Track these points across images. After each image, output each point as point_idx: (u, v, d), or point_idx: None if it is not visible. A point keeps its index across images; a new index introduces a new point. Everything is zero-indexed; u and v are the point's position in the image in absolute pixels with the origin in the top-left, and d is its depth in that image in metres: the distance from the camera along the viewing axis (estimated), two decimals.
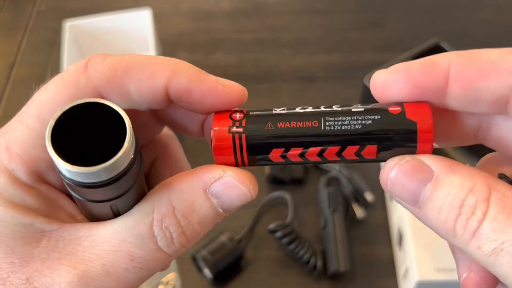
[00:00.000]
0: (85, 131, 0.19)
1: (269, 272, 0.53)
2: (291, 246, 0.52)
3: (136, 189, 0.19)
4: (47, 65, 0.71)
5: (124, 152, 0.17)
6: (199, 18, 0.77)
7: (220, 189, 0.19)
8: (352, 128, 0.19)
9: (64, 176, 0.17)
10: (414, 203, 0.18)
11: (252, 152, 0.20)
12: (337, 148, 0.19)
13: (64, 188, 0.19)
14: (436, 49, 0.55)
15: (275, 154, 0.20)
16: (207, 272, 0.51)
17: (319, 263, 0.52)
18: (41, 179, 0.19)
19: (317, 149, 0.19)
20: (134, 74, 0.19)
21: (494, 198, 0.17)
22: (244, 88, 0.21)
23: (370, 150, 0.19)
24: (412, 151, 0.19)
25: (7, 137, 0.19)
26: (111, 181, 0.17)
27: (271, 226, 0.53)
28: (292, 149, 0.19)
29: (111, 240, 0.18)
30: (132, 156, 0.17)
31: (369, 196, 0.56)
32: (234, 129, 0.20)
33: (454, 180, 0.17)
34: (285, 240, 0.52)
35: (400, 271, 0.51)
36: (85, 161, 0.17)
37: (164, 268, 0.20)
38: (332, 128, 0.19)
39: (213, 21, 0.77)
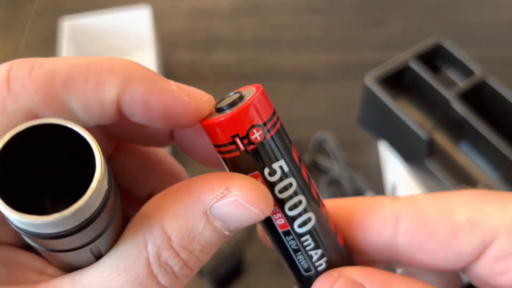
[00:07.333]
0: (37, 162, 0.14)
1: (269, 273, 0.53)
2: None
3: (116, 221, 0.15)
4: None
5: (94, 191, 0.13)
6: (198, 17, 0.77)
7: (224, 211, 0.15)
8: None
9: (18, 227, 0.13)
10: None
11: (276, 139, 0.17)
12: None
13: (20, 240, 0.15)
14: (437, 48, 0.54)
15: (295, 153, 0.17)
16: (207, 279, 0.50)
17: None
18: None
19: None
20: (76, 87, 0.15)
21: None
22: (212, 98, 0.17)
23: None
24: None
25: None
26: (81, 227, 0.13)
27: None
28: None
29: None
30: (106, 191, 0.14)
31: None
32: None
33: None
34: None
35: (399, 270, 0.51)
36: (43, 203, 0.14)
37: None
38: None
39: (213, 19, 0.76)
